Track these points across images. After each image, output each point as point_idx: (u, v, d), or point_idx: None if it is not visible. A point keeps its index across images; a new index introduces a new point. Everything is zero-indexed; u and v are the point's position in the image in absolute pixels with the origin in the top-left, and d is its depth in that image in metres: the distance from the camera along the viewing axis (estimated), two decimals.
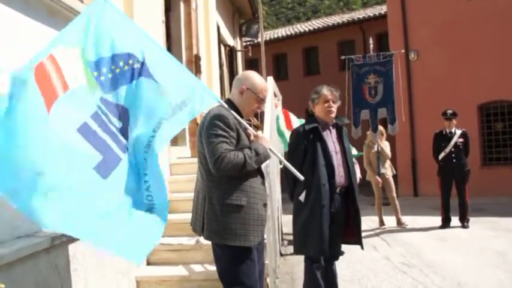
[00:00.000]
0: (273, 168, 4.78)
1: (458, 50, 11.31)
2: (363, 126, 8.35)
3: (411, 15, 12.00)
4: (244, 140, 2.79)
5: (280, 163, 4.69)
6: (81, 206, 2.22)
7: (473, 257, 5.54)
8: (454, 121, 7.43)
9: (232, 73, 11.03)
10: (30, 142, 2.06)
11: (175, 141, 6.65)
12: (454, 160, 7.33)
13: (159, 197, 2.55)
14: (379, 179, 7.65)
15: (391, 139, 9.30)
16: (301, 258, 3.88)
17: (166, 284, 4.31)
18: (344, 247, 3.94)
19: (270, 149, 2.90)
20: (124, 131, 2.54)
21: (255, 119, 6.82)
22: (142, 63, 2.62)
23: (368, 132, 8.07)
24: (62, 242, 2.99)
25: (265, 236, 3.19)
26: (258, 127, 6.14)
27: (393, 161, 8.53)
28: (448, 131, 7.45)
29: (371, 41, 8.82)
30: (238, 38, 12.92)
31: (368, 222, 7.79)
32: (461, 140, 7.38)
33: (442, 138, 7.48)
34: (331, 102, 3.65)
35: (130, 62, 2.60)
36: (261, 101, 2.96)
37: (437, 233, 7.06)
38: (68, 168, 2.19)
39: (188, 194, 5.16)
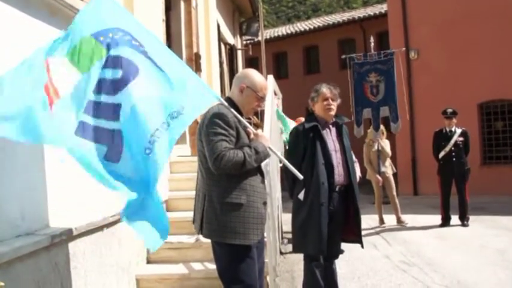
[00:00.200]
0: (273, 167, 4.78)
1: (458, 49, 11.30)
2: (364, 125, 8.34)
3: (411, 13, 11.99)
4: (244, 139, 2.79)
5: (280, 162, 4.69)
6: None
7: (473, 256, 5.54)
8: (454, 120, 7.42)
9: (233, 71, 11.02)
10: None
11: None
12: (454, 159, 7.33)
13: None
14: (380, 178, 7.65)
15: (391, 138, 9.30)
16: (301, 256, 3.89)
17: (166, 282, 4.31)
18: (344, 245, 3.94)
19: (269, 148, 2.90)
20: (124, 79, 2.53)
21: (255, 117, 6.83)
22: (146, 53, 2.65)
23: (368, 130, 8.06)
24: (61, 240, 2.99)
25: (265, 234, 3.19)
26: (258, 125, 6.15)
27: (393, 159, 8.54)
28: (448, 129, 7.45)
29: (372, 39, 8.83)
30: (238, 37, 12.91)
31: (368, 220, 7.79)
32: (461, 138, 7.38)
33: (442, 137, 7.48)
34: (330, 100, 3.64)
35: (134, 42, 2.63)
36: (261, 99, 2.96)
37: (437, 232, 7.07)
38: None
39: (188, 192, 5.18)
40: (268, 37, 18.05)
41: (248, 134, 2.84)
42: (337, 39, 17.59)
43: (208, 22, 8.43)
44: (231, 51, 11.54)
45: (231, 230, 2.71)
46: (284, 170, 3.90)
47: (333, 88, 3.72)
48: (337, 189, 3.63)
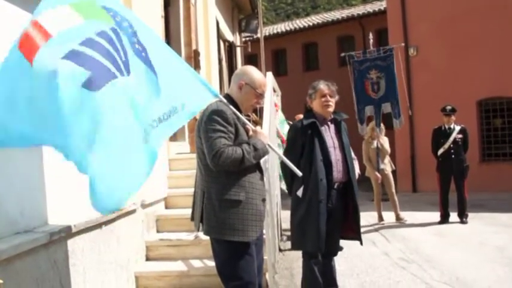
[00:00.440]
0: (272, 164, 4.77)
1: (457, 46, 11.29)
2: (367, 122, 8.32)
3: (411, 10, 11.97)
4: (243, 135, 2.79)
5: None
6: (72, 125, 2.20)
7: (472, 253, 5.55)
8: (453, 117, 7.42)
9: (232, 68, 11.01)
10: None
11: (174, 137, 6.65)
12: (453, 156, 7.33)
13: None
14: (379, 175, 7.65)
15: (390, 135, 9.30)
16: (300, 253, 3.89)
17: (165, 279, 4.31)
18: (343, 242, 3.94)
19: (268, 145, 2.89)
20: (125, 67, 2.47)
21: (253, 114, 6.82)
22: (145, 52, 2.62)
23: (368, 128, 8.04)
24: (60, 238, 2.99)
25: (264, 231, 3.19)
26: (257, 122, 6.14)
27: (392, 156, 8.53)
28: (447, 126, 7.45)
29: (371, 36, 8.79)
30: (237, 34, 12.89)
31: (367, 217, 7.80)
32: (460, 135, 7.38)
33: (441, 134, 7.48)
34: (328, 96, 3.64)
35: (135, 40, 2.60)
36: (260, 96, 2.96)
37: (436, 229, 7.07)
38: (55, 97, 2.16)
39: (187, 189, 5.17)
40: (267, 34, 18.03)
41: (247, 131, 2.83)
42: (336, 36, 17.57)
43: (207, 19, 8.42)
44: (230, 48, 11.52)
45: (230, 226, 2.70)
46: (282, 167, 3.90)
47: (331, 85, 3.71)
48: (335, 186, 3.63)
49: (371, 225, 7.48)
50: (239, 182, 2.74)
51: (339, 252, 3.95)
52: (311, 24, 18.32)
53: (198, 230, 2.90)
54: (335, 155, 3.63)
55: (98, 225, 3.57)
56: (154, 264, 4.54)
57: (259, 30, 11.65)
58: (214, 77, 8.43)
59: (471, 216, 7.48)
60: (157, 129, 2.54)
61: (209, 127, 2.68)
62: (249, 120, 2.95)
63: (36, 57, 2.19)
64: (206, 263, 4.39)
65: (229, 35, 11.54)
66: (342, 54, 8.98)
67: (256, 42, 12.97)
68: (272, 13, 37.14)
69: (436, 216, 7.61)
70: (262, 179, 2.93)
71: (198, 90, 2.80)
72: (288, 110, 8.83)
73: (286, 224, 5.42)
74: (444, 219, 7.43)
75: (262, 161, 2.97)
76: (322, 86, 3.69)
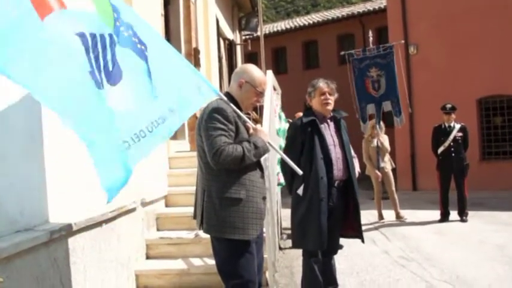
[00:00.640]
0: (272, 162, 4.77)
1: (457, 44, 11.28)
2: (369, 120, 8.31)
3: (411, 8, 11.95)
4: (243, 133, 2.79)
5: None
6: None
7: (472, 251, 5.55)
8: (453, 115, 7.42)
9: (232, 67, 11.00)
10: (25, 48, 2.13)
11: (174, 135, 6.64)
12: (453, 154, 7.33)
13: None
14: (379, 173, 7.65)
15: (390, 133, 9.29)
16: (300, 252, 3.89)
17: (166, 277, 4.32)
18: (343, 241, 3.94)
19: (269, 143, 2.89)
20: (112, 76, 2.49)
21: (254, 112, 6.81)
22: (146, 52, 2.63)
23: (368, 126, 8.03)
24: (61, 236, 2.99)
25: (264, 229, 3.19)
26: (257, 121, 6.13)
27: (392, 155, 8.53)
28: (447, 125, 7.44)
29: (370, 34, 8.77)
30: (237, 32, 12.88)
31: (367, 216, 7.79)
32: (460, 134, 7.38)
33: (441, 132, 7.48)
34: (327, 94, 3.64)
35: (135, 40, 2.60)
36: (260, 94, 2.96)
37: (436, 227, 7.08)
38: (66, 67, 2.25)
39: (187, 187, 5.18)
40: (267, 32, 18.01)
41: (247, 129, 2.83)
42: (337, 35, 17.55)
43: (207, 17, 8.41)
44: (230, 46, 11.51)
45: (230, 225, 2.70)
46: (282, 165, 3.90)
47: (330, 82, 3.71)
48: (336, 184, 3.62)
49: (371, 224, 7.48)
50: (240, 180, 2.74)
51: (339, 251, 3.96)
52: (311, 22, 18.29)
53: (200, 228, 2.89)
54: (335, 153, 3.62)
55: (99, 224, 3.57)
56: (154, 263, 4.54)
57: (259, 29, 11.62)
58: (214, 75, 8.43)
59: (471, 214, 7.48)
60: (142, 142, 2.53)
61: (210, 125, 2.68)
62: (249, 119, 2.95)
63: (49, 16, 2.21)
64: (206, 262, 4.39)
65: (229, 33, 11.53)
66: (342, 53, 8.96)
67: (256, 40, 12.95)
68: (272, 11, 37.11)
69: (436, 214, 7.61)
70: (262, 177, 2.93)
71: (198, 87, 2.80)
72: (288, 108, 8.81)
73: (287, 223, 5.42)
74: (444, 217, 7.43)
75: (262, 158, 2.97)
76: (322, 84, 3.69)
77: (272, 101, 5.49)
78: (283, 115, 6.96)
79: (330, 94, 3.66)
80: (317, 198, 3.49)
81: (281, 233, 6.30)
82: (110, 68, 2.46)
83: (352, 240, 3.91)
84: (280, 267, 5.10)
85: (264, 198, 2.89)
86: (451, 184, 7.43)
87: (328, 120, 3.74)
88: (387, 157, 7.84)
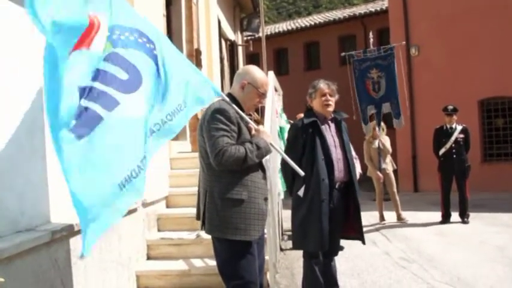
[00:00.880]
0: (273, 163, 4.77)
1: (459, 45, 11.27)
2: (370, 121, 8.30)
3: (412, 10, 11.96)
4: (246, 134, 2.79)
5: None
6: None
7: (473, 252, 5.54)
8: (454, 117, 7.41)
9: (233, 67, 11.02)
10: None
11: (175, 136, 6.64)
12: (455, 156, 7.32)
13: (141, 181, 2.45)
14: (380, 174, 7.64)
15: (391, 134, 9.28)
16: (301, 253, 3.88)
17: (166, 278, 4.31)
18: (344, 242, 3.93)
19: (271, 144, 2.89)
20: (131, 84, 2.48)
21: (255, 113, 6.81)
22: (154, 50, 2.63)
23: (371, 127, 8.02)
24: (62, 236, 2.99)
25: (265, 230, 3.19)
26: (259, 121, 6.13)
27: (394, 156, 8.52)
28: (448, 126, 7.44)
29: (371, 35, 8.76)
30: (239, 33, 12.89)
31: (368, 217, 7.79)
32: (461, 135, 7.37)
33: (443, 134, 7.47)
34: (328, 95, 3.63)
35: (142, 40, 2.60)
36: (262, 95, 2.96)
37: (437, 229, 7.07)
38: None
39: (188, 188, 5.18)
40: (268, 33, 18.02)
41: (250, 130, 2.83)
42: (338, 36, 17.56)
43: (209, 18, 8.42)
44: (232, 47, 11.52)
45: (232, 225, 2.70)
46: (283, 167, 3.89)
47: (331, 84, 3.71)
48: (337, 186, 3.62)
49: (372, 225, 7.48)
50: (242, 181, 2.74)
51: (340, 252, 3.95)
52: (313, 23, 18.30)
53: (202, 229, 2.89)
54: (336, 154, 3.62)
55: None
56: (155, 263, 4.54)
57: (260, 29, 11.64)
58: (215, 75, 8.43)
59: (472, 216, 7.47)
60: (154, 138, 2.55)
61: (212, 126, 2.68)
62: (251, 120, 2.95)
63: (75, 52, 2.26)
64: (207, 262, 4.38)
65: (230, 34, 11.53)
66: (342, 54, 8.94)
67: (257, 41, 12.96)
68: (274, 12, 37.10)
69: (437, 216, 7.60)
70: (264, 178, 2.93)
71: (201, 88, 2.81)
72: (289, 109, 8.82)
73: (288, 224, 5.41)
74: (445, 219, 7.42)
75: (264, 160, 2.97)
76: (322, 85, 3.68)
77: (274, 102, 5.49)
78: (284, 116, 6.96)
79: (330, 95, 3.65)
80: (318, 200, 3.48)
81: (282, 234, 6.30)
82: (124, 78, 2.46)
83: (353, 242, 3.90)
84: (281, 268, 5.10)
85: (266, 199, 2.89)
86: (453, 186, 7.43)
87: (329, 122, 3.73)
88: (389, 158, 7.84)
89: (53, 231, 2.87)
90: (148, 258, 4.65)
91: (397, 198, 7.77)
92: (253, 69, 2.99)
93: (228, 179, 2.72)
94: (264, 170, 2.95)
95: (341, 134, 3.73)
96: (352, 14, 17.28)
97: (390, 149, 7.86)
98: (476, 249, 5.72)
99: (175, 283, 4.29)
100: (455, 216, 7.40)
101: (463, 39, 11.21)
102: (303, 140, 3.60)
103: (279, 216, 5.81)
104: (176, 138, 6.59)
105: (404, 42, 10.39)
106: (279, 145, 5.43)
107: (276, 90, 6.24)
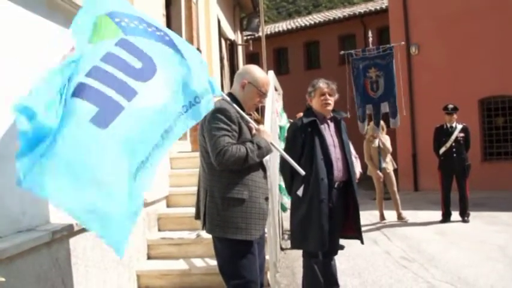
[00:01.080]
0: (274, 162, 4.77)
1: (459, 44, 11.28)
2: (368, 121, 8.31)
3: (412, 9, 11.96)
4: (246, 134, 2.79)
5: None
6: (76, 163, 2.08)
7: (474, 251, 5.55)
8: (455, 116, 7.42)
9: (233, 67, 11.02)
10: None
11: None
12: (455, 155, 7.33)
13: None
14: (380, 174, 7.65)
15: (391, 133, 9.28)
16: (301, 252, 3.88)
17: (167, 278, 4.32)
18: (344, 241, 3.93)
19: (271, 143, 2.89)
20: (144, 73, 2.37)
21: (255, 113, 6.81)
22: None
23: (369, 126, 8.04)
24: (62, 236, 2.99)
25: (265, 230, 3.19)
26: (259, 121, 6.13)
27: (394, 155, 8.52)
28: (449, 125, 7.44)
29: (370, 34, 8.76)
30: (239, 32, 12.89)
31: (369, 216, 7.80)
32: (462, 134, 7.37)
33: (443, 133, 7.48)
34: (327, 95, 3.63)
35: (151, 29, 2.56)
36: (263, 95, 2.96)
37: (437, 228, 7.07)
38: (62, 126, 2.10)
39: (189, 188, 5.18)
40: (268, 32, 18.02)
41: (250, 130, 2.83)
42: (338, 35, 17.55)
43: (209, 17, 8.42)
44: (232, 46, 11.52)
45: (233, 225, 2.70)
46: (281, 166, 3.89)
47: (331, 83, 3.70)
48: (336, 185, 3.61)
49: (373, 224, 7.48)
50: (242, 181, 2.74)
51: (341, 251, 3.95)
52: (312, 22, 18.30)
53: (203, 229, 2.89)
54: (335, 154, 3.61)
55: None
56: (155, 263, 4.54)
57: (260, 29, 11.64)
58: (215, 75, 8.43)
59: (473, 215, 7.48)
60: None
61: (213, 125, 2.68)
62: (251, 119, 2.95)
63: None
64: (208, 262, 4.39)
65: (230, 34, 11.53)
66: (341, 52, 8.95)
67: (257, 40, 12.97)
68: (274, 11, 37.09)
69: (437, 215, 7.61)
70: (265, 177, 2.93)
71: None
72: (289, 108, 8.80)
73: (288, 223, 5.42)
74: (446, 218, 7.43)
75: (264, 159, 2.97)
76: (322, 84, 3.68)
77: (274, 101, 5.49)
78: (284, 115, 6.96)
79: (330, 95, 3.65)
80: (317, 199, 3.48)
81: (282, 233, 6.30)
82: (139, 65, 2.36)
83: (354, 241, 3.90)
84: (282, 267, 5.10)
85: (267, 198, 2.89)
86: (453, 184, 7.43)
87: (329, 121, 3.73)
88: (389, 157, 7.84)
89: (54, 231, 2.87)
90: (149, 258, 4.65)
91: (398, 197, 7.78)
92: (254, 68, 2.99)
93: (229, 179, 2.72)
94: (264, 170, 2.95)
95: (340, 134, 3.72)
96: (352, 13, 17.27)
97: (390, 148, 7.86)
98: (477, 248, 5.72)
99: (175, 283, 4.29)
100: (455, 215, 7.41)
101: (463, 39, 11.21)
102: (302, 140, 3.59)
103: (279, 216, 5.82)
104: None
105: (403, 43, 10.39)
106: (279, 145, 5.42)
107: (276, 89, 6.24)
